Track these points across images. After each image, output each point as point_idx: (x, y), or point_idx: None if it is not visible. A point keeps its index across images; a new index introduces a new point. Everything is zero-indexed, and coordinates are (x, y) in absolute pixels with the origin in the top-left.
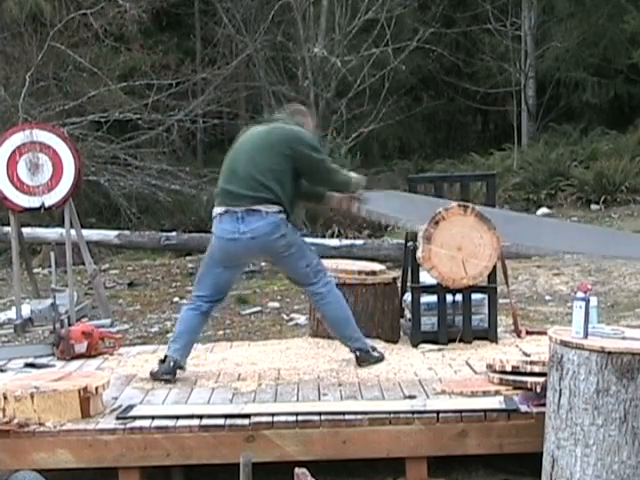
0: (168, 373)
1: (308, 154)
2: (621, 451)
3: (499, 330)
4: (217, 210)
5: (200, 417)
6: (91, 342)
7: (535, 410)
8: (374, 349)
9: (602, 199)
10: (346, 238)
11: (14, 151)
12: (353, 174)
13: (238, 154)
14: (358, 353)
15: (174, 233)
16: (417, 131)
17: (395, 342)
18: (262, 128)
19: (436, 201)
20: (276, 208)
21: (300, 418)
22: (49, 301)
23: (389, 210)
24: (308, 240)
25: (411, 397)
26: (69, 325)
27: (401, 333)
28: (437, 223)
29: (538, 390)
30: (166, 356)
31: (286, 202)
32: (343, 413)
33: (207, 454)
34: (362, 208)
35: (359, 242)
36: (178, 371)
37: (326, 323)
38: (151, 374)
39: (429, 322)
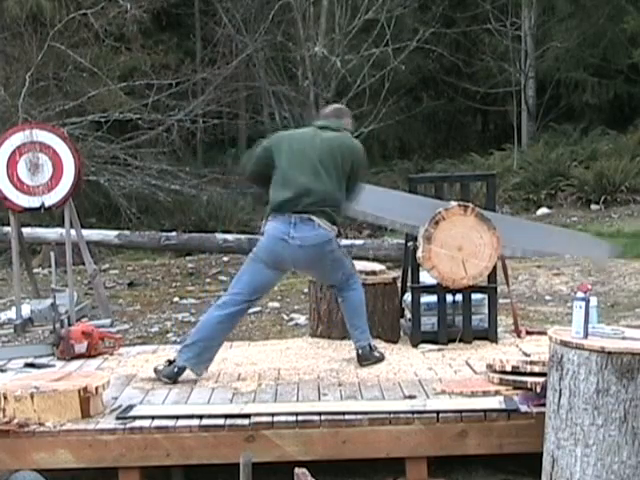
0: (169, 377)
1: (362, 173)
2: (621, 451)
3: (499, 330)
4: (273, 213)
5: (200, 417)
6: (91, 342)
7: (535, 410)
8: (375, 349)
9: (602, 199)
10: (346, 238)
11: (14, 151)
12: None
13: (300, 162)
14: (361, 351)
15: (174, 233)
16: (417, 131)
17: (395, 342)
18: (323, 136)
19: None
20: (329, 225)
21: (300, 418)
22: (49, 301)
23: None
24: None
25: (411, 397)
26: (69, 325)
27: (401, 333)
28: (437, 223)
29: (538, 390)
30: (174, 361)
31: (338, 216)
32: (343, 413)
33: (207, 454)
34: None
35: (359, 242)
36: (183, 376)
37: (343, 308)
38: (155, 370)
39: (429, 322)
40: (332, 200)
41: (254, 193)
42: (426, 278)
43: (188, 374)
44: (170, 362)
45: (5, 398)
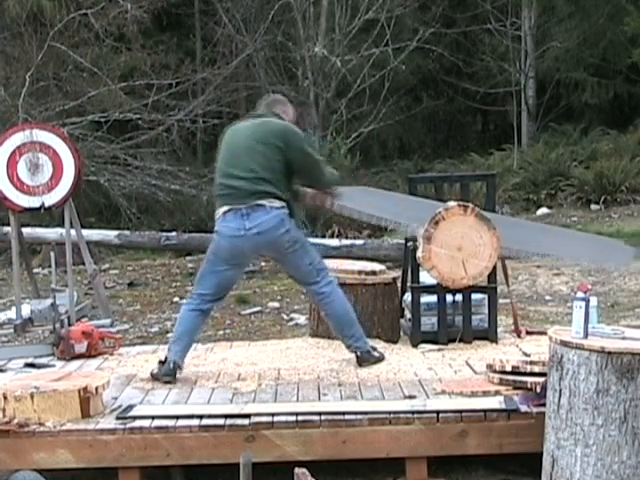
0: (169, 375)
1: (299, 146)
2: (621, 451)
3: (499, 330)
4: (221, 209)
5: (200, 417)
6: (91, 342)
7: (535, 410)
8: (374, 349)
9: (602, 199)
10: (346, 238)
11: (14, 151)
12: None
13: (232, 151)
14: (359, 353)
15: (174, 233)
16: (417, 131)
17: (395, 342)
18: (251, 123)
19: (408, 198)
20: (278, 203)
21: (300, 418)
22: (49, 301)
23: (362, 206)
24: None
25: (411, 397)
26: (69, 325)
27: (401, 333)
28: (437, 223)
29: (538, 390)
30: (166, 358)
31: (286, 197)
32: (343, 413)
33: (207, 454)
34: (335, 204)
35: (359, 242)
36: (177, 372)
37: (329, 322)
38: (152, 375)
39: (429, 322)
40: (273, 180)
41: None
42: (426, 278)
43: (185, 374)
44: (162, 362)
45: (5, 398)
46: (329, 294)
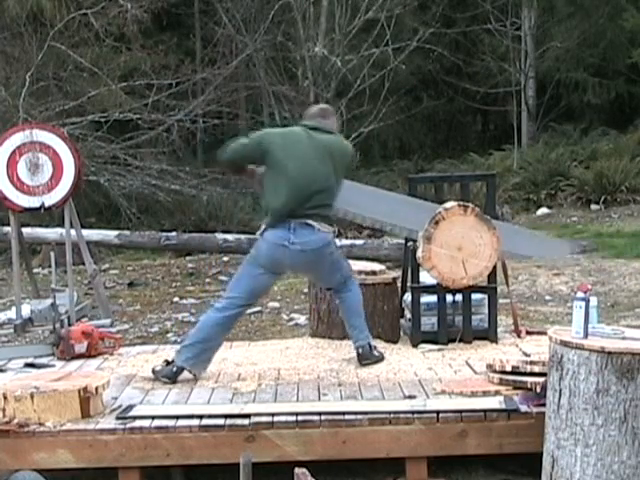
0: (168, 378)
1: (347, 171)
2: (621, 451)
3: (499, 330)
4: (272, 219)
5: (200, 417)
6: (91, 342)
7: (535, 410)
8: (375, 348)
9: (602, 199)
10: (346, 238)
11: (14, 151)
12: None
13: (298, 167)
14: (361, 350)
15: (174, 233)
16: (417, 131)
17: (395, 342)
18: (322, 138)
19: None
20: (328, 228)
21: (300, 418)
22: (49, 301)
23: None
24: None
25: (411, 397)
26: (69, 325)
27: (401, 333)
28: (437, 223)
29: (538, 390)
30: (173, 361)
31: (333, 217)
32: (343, 413)
33: (207, 454)
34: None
35: (359, 242)
36: (182, 376)
37: (341, 309)
38: (153, 371)
39: (429, 322)
40: (329, 203)
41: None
42: (426, 278)
43: (187, 374)
44: (168, 362)
45: (5, 398)
46: (349, 289)
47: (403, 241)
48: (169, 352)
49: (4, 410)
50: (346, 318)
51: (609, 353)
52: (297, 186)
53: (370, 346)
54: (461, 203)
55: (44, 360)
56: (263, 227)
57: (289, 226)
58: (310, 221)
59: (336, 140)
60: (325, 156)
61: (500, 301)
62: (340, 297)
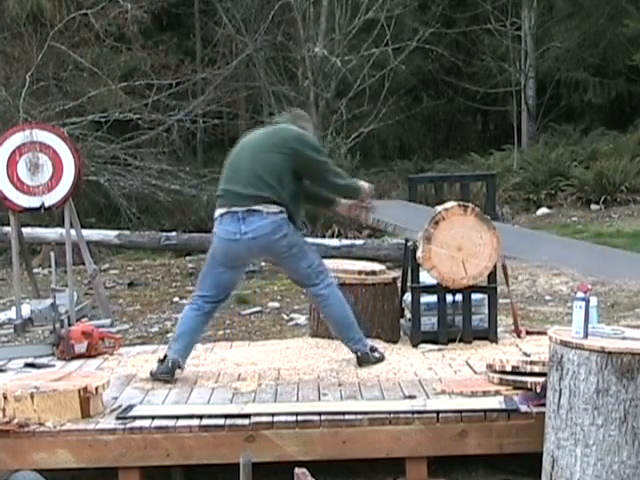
0: (167, 373)
1: (309, 154)
2: (621, 451)
3: (499, 330)
4: (218, 211)
5: (200, 417)
6: (91, 342)
7: (535, 410)
8: (374, 349)
9: (602, 199)
10: (346, 238)
11: (14, 151)
12: (361, 182)
13: (240, 155)
14: (359, 354)
15: (174, 233)
16: (417, 131)
17: (395, 342)
18: (264, 130)
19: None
20: (277, 208)
21: (300, 418)
22: (49, 301)
23: (397, 220)
24: (308, 240)
25: (411, 397)
26: (69, 325)
27: (401, 333)
28: (437, 223)
29: (538, 390)
30: (165, 356)
31: (287, 202)
32: (343, 413)
33: (207, 454)
34: (370, 217)
35: (359, 242)
36: (177, 371)
37: (328, 324)
38: (151, 374)
39: (429, 322)
40: (276, 186)
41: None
42: (426, 278)
43: (185, 374)
44: (161, 360)
45: (5, 398)
46: (327, 296)
47: (403, 241)
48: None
49: (4, 410)
50: (338, 333)
51: (609, 353)
52: (232, 170)
53: (367, 352)
54: (461, 203)
55: (44, 360)
56: (215, 222)
57: (238, 216)
58: (257, 206)
59: (280, 126)
60: (265, 139)
61: (500, 301)
62: (323, 312)
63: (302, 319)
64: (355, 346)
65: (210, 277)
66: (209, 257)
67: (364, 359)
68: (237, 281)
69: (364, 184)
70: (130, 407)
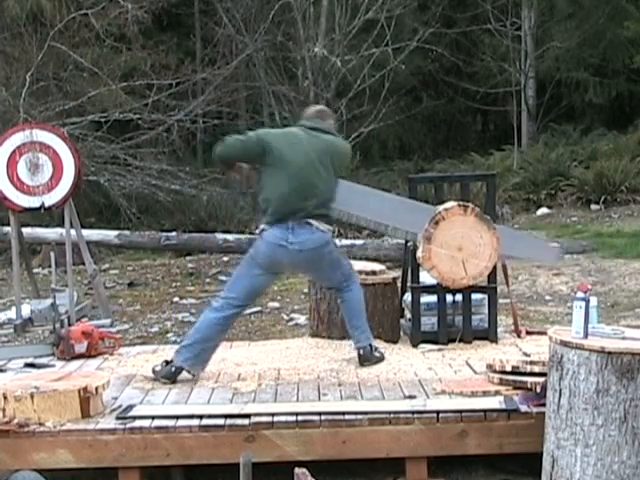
0: (168, 378)
1: (344, 171)
2: (621, 451)
3: (499, 330)
4: (271, 218)
5: (200, 417)
6: (91, 342)
7: (535, 410)
8: (375, 349)
9: (602, 199)
10: (346, 238)
11: (14, 151)
12: None
13: (297, 168)
14: (362, 351)
15: (174, 233)
16: (417, 131)
17: (395, 342)
18: (322, 138)
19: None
20: (327, 226)
21: (300, 418)
22: (49, 301)
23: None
24: None
25: (411, 397)
26: (69, 325)
27: (401, 333)
28: (437, 223)
29: (538, 390)
30: (172, 360)
31: (334, 216)
32: (343, 413)
33: (207, 454)
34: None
35: (359, 242)
36: (182, 376)
37: (343, 309)
38: (153, 371)
39: (429, 322)
40: (328, 202)
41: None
42: (426, 278)
43: (186, 374)
44: (167, 362)
45: (5, 398)
46: (350, 289)
47: (403, 241)
48: (169, 352)
49: (4, 410)
50: (347, 318)
51: (609, 353)
52: (298, 184)
53: (371, 347)
54: (461, 203)
55: (44, 360)
56: (262, 227)
57: (287, 226)
58: (309, 220)
59: (335, 140)
60: (325, 156)
61: (500, 301)
62: (342, 297)
63: (302, 319)
64: (361, 336)
65: (245, 279)
66: (248, 259)
67: (366, 356)
68: (267, 288)
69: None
70: (130, 407)
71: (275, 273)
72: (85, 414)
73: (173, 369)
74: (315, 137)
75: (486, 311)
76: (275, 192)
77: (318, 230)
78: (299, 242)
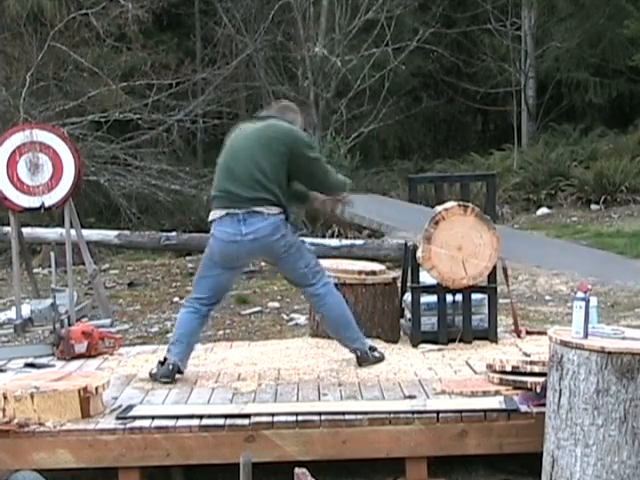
0: (167, 376)
1: (303, 152)
2: (621, 451)
3: (499, 330)
4: (217, 213)
5: (200, 417)
6: (91, 342)
7: (535, 410)
8: (374, 349)
9: (602, 199)
10: (346, 238)
11: (14, 151)
12: (343, 176)
13: (234, 153)
14: (358, 353)
15: (174, 233)
16: (417, 131)
17: (395, 342)
18: (256, 126)
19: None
20: (276, 209)
21: (300, 418)
22: (49, 301)
23: (372, 214)
24: (308, 240)
25: (411, 397)
26: (69, 325)
27: (401, 333)
28: (437, 223)
29: (538, 390)
30: (166, 359)
31: (285, 202)
32: (343, 413)
33: (207, 454)
34: (346, 211)
35: (359, 242)
36: (177, 374)
37: (325, 324)
38: (150, 375)
39: (429, 322)
40: (273, 186)
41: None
42: (426, 278)
43: (185, 374)
44: (162, 363)
45: (5, 398)
46: (324, 296)
47: (403, 241)
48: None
49: (4, 410)
50: (334, 333)
51: (609, 353)
52: (235, 172)
53: (366, 351)
54: (461, 203)
55: (44, 360)
56: (210, 219)
57: (238, 218)
58: (258, 208)
59: (274, 123)
60: (262, 139)
61: (500, 301)
62: (320, 312)
63: (302, 319)
64: (353, 345)
65: (207, 279)
66: (205, 259)
67: (363, 358)
68: (233, 283)
69: (347, 178)
70: (130, 407)
71: (236, 267)
72: (85, 414)
73: (170, 366)
74: (256, 125)
75: (486, 311)
76: (216, 183)
77: (269, 215)
78: (253, 231)
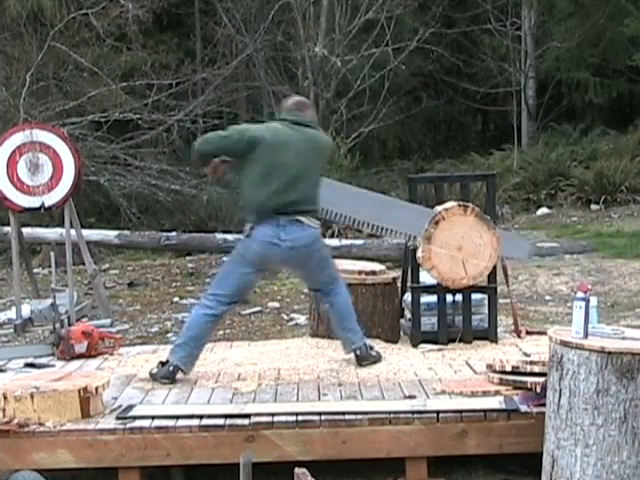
0: (167, 378)
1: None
2: (621, 451)
3: (499, 330)
4: (260, 216)
5: (200, 417)
6: (91, 342)
7: (535, 410)
8: (372, 348)
9: (602, 199)
10: (346, 238)
11: (14, 151)
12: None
13: (288, 161)
14: (358, 351)
15: (174, 233)
16: (417, 131)
17: (395, 342)
18: (304, 134)
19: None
20: (316, 222)
21: (300, 418)
22: (49, 301)
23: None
24: None
25: (411, 397)
26: (69, 325)
27: (401, 333)
28: (437, 223)
29: (538, 390)
30: (168, 360)
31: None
32: (343, 413)
33: (207, 454)
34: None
35: (359, 242)
36: (178, 375)
37: (330, 314)
38: (150, 375)
39: (429, 322)
40: (315, 198)
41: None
42: (426, 278)
43: (181, 374)
44: (163, 363)
45: (5, 398)
46: (336, 293)
47: (403, 241)
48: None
49: (4, 410)
50: (337, 323)
51: (609, 353)
52: (286, 181)
53: (366, 346)
54: (461, 203)
55: (44, 360)
56: (251, 224)
57: (278, 223)
58: (299, 217)
59: (319, 136)
60: (310, 152)
61: (500, 301)
62: (329, 301)
63: (302, 319)
64: (354, 337)
65: (235, 276)
66: (237, 256)
67: (363, 356)
68: (255, 285)
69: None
70: (130, 407)
71: (264, 270)
72: (85, 414)
73: (171, 368)
74: (300, 132)
75: (486, 311)
76: (262, 189)
77: (309, 227)
78: (291, 239)
